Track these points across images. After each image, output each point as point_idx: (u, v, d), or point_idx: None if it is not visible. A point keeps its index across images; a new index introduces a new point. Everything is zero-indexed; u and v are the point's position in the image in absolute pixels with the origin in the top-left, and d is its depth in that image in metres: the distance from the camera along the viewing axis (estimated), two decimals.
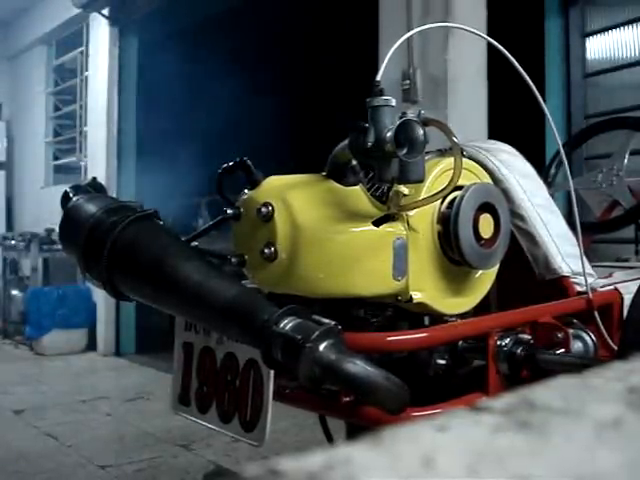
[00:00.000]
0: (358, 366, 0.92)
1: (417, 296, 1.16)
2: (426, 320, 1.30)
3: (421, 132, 1.05)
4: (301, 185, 1.22)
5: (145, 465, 2.91)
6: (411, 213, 1.15)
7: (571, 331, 1.34)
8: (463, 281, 1.23)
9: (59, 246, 1.44)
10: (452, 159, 1.11)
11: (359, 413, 1.14)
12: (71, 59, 6.58)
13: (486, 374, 1.22)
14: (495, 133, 2.63)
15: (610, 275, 1.58)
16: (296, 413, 2.84)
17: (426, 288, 1.17)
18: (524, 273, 1.44)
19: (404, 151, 1.04)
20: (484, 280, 1.27)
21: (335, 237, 1.14)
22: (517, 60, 1.32)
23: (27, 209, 7.21)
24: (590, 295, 1.40)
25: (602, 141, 2.58)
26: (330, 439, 1.63)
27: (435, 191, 1.13)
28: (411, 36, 1.37)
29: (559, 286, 1.43)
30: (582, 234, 1.42)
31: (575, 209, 1.43)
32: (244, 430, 1.18)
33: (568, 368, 1.18)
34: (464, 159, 1.16)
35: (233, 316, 1.00)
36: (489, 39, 1.40)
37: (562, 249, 1.43)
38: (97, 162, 5.68)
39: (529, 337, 1.27)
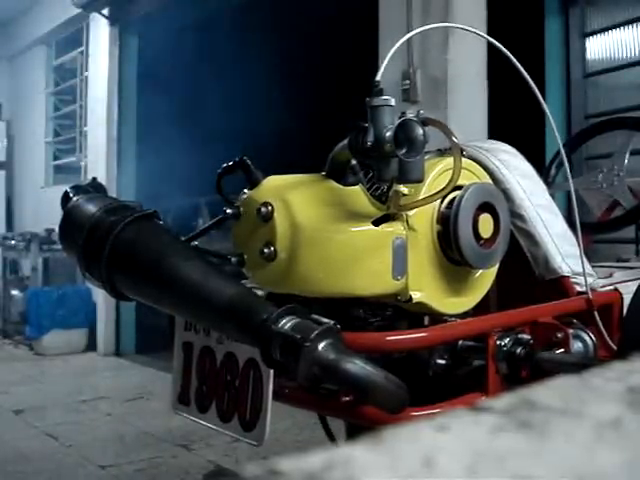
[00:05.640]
0: (357, 366, 0.92)
1: (416, 296, 1.16)
2: (426, 320, 1.30)
3: (420, 132, 1.05)
4: (301, 185, 1.22)
5: (145, 465, 2.91)
6: (410, 213, 1.15)
7: (571, 331, 1.34)
8: (463, 281, 1.23)
9: (59, 246, 1.44)
10: (451, 159, 1.11)
11: (359, 413, 1.14)
12: (71, 59, 6.58)
13: (486, 374, 1.22)
14: (495, 133, 2.63)
15: (610, 275, 1.58)
16: (296, 413, 2.84)
17: (425, 288, 1.17)
18: (524, 273, 1.44)
19: (403, 151, 1.04)
20: (484, 280, 1.27)
21: (334, 237, 1.14)
22: (517, 60, 1.32)
23: (27, 209, 7.21)
24: (590, 295, 1.40)
25: (602, 141, 2.58)
26: (332, 438, 1.62)
27: (434, 191, 1.13)
28: (411, 36, 1.37)
29: (559, 286, 1.43)
30: (582, 234, 1.42)
31: (575, 209, 1.43)
32: (244, 430, 1.18)
33: (568, 368, 1.18)
34: (464, 159, 1.16)
35: (232, 315, 1.00)
36: (490, 39, 1.40)
37: (562, 249, 1.43)
38: (97, 162, 5.68)
39: (529, 337, 1.27)
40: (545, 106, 1.38)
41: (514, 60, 1.32)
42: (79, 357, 5.42)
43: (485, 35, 1.47)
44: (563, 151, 1.56)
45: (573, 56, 3.59)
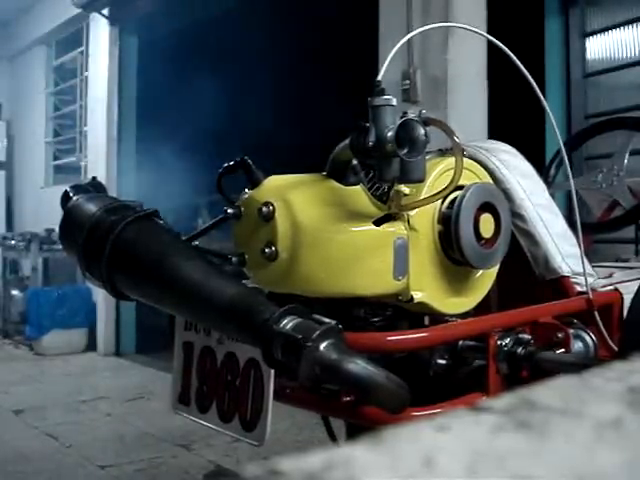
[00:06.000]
0: (358, 366, 0.92)
1: (418, 296, 1.16)
2: (426, 320, 1.30)
3: (422, 132, 1.05)
4: (302, 185, 1.22)
5: (145, 465, 2.91)
6: (412, 213, 1.15)
7: (571, 331, 1.34)
8: (463, 281, 1.23)
9: (59, 246, 1.44)
10: (453, 159, 1.11)
11: (359, 413, 1.14)
12: (71, 59, 6.58)
13: (486, 374, 1.22)
14: (495, 133, 2.63)
15: (610, 275, 1.58)
16: (296, 413, 2.84)
17: (426, 288, 1.17)
18: (524, 273, 1.44)
19: (405, 151, 1.04)
20: (484, 280, 1.27)
21: (336, 237, 1.14)
22: (517, 60, 1.32)
23: (27, 209, 7.21)
24: (590, 295, 1.40)
25: (602, 141, 2.58)
26: (334, 439, 1.62)
27: (436, 191, 1.13)
28: (411, 36, 1.37)
29: (559, 286, 1.43)
30: (582, 234, 1.42)
31: (576, 209, 1.43)
32: (244, 430, 1.18)
33: (568, 368, 1.18)
34: (464, 159, 1.16)
35: (233, 315, 1.00)
36: (490, 38, 1.40)
37: (562, 249, 1.43)
38: (97, 162, 5.68)
39: (529, 337, 1.27)
40: (546, 104, 1.38)
41: (515, 59, 1.32)
42: (79, 357, 5.42)
43: (486, 34, 1.47)
44: (564, 150, 1.56)
45: (573, 56, 3.59)
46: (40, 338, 5.45)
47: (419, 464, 0.30)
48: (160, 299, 1.14)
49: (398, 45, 1.18)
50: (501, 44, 1.34)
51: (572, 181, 1.47)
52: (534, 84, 1.34)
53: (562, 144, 1.56)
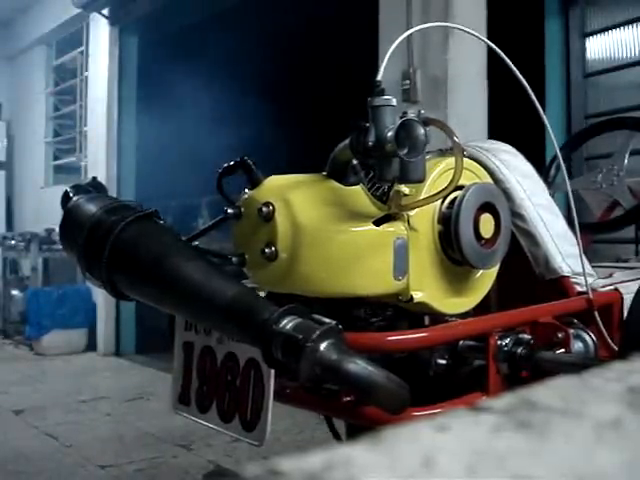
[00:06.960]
0: (359, 366, 0.92)
1: (417, 296, 1.16)
2: (426, 320, 1.30)
3: (422, 132, 1.05)
4: (302, 185, 1.22)
5: (145, 465, 2.91)
6: (412, 213, 1.15)
7: (571, 331, 1.34)
8: (463, 281, 1.23)
9: (59, 246, 1.44)
10: (453, 159, 1.11)
11: (359, 413, 1.14)
12: (71, 59, 6.58)
13: (486, 374, 1.22)
14: (495, 133, 2.63)
15: (610, 275, 1.58)
16: (296, 413, 2.84)
17: (426, 288, 1.17)
18: (524, 273, 1.44)
19: (405, 151, 1.04)
20: (484, 280, 1.27)
21: (336, 237, 1.14)
22: (517, 60, 1.32)
23: (27, 209, 7.21)
24: (590, 295, 1.40)
25: (602, 141, 2.58)
26: (337, 437, 1.62)
27: (436, 191, 1.13)
28: (411, 36, 1.37)
29: (559, 286, 1.43)
30: (582, 234, 1.42)
31: (573, 210, 1.43)
32: (244, 430, 1.18)
33: (568, 368, 1.18)
34: (465, 159, 1.16)
35: (233, 315, 1.00)
36: (485, 40, 1.40)
37: (562, 249, 1.43)
38: (97, 162, 5.68)
39: (529, 337, 1.27)
40: (541, 110, 1.38)
41: (509, 61, 1.32)
42: (79, 357, 5.42)
43: (481, 37, 1.47)
44: (560, 154, 1.56)
45: (573, 56, 3.59)
46: (40, 338, 5.45)
47: (419, 464, 0.30)
48: (160, 299, 1.14)
49: (395, 44, 1.18)
50: (494, 45, 1.33)
51: (569, 183, 1.47)
52: (528, 87, 1.34)
53: (558, 149, 1.57)
